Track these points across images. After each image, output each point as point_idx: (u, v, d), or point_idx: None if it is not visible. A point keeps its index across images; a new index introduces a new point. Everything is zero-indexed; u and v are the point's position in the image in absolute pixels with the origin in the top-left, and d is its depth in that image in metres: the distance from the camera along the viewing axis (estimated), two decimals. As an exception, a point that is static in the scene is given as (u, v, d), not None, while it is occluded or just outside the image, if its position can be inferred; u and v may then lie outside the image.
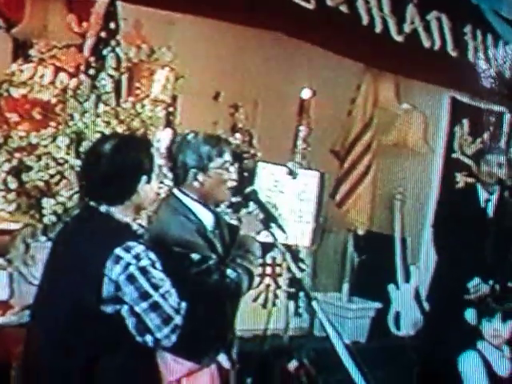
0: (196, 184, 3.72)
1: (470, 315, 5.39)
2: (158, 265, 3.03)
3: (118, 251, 2.98)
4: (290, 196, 6.58)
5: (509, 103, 7.94)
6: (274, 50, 6.97)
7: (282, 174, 6.57)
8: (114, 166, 3.13)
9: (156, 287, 2.99)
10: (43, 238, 5.76)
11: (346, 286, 7.33)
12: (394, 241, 7.65)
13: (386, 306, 7.34)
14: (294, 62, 7.05)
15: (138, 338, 3.00)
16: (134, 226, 3.16)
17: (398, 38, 7.65)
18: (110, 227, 3.10)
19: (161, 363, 3.32)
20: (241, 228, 3.78)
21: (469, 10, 8.04)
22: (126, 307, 2.99)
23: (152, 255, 3.03)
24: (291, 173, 6.51)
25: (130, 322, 2.99)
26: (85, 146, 5.79)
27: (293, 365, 3.53)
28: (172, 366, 3.55)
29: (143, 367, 3.14)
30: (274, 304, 6.49)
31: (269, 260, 6.35)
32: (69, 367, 3.02)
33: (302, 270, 4.35)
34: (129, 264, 2.97)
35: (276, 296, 6.57)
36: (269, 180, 6.49)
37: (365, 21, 7.45)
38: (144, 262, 2.99)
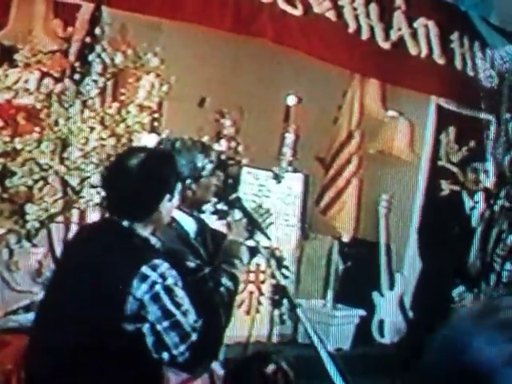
0: (189, 193, 3.70)
1: None
2: (179, 283, 3.02)
3: (145, 269, 2.95)
4: (276, 200, 6.58)
5: (495, 111, 7.95)
6: (260, 57, 6.96)
7: (266, 179, 6.57)
8: (140, 182, 3.10)
9: (178, 306, 2.99)
10: (27, 244, 5.74)
11: (330, 293, 7.32)
12: (378, 248, 7.66)
13: (370, 313, 7.35)
14: (280, 68, 7.05)
15: (154, 355, 2.99)
16: (153, 241, 3.14)
17: (385, 45, 7.66)
18: (133, 243, 3.08)
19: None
20: (228, 234, 3.77)
21: (457, 17, 8.06)
22: (147, 325, 2.97)
23: (174, 273, 3.01)
24: (276, 177, 6.51)
25: (150, 340, 2.98)
26: (69, 151, 5.78)
27: (270, 368, 3.52)
28: (168, 376, 3.54)
29: (152, 380, 3.15)
30: (257, 311, 6.48)
31: (253, 267, 6.34)
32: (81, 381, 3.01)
33: (285, 277, 4.32)
34: (155, 283, 2.95)
35: (259, 303, 6.57)
36: (254, 185, 6.49)
37: (351, 28, 7.46)
38: (169, 281, 2.98)
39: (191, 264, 3.54)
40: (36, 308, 3.48)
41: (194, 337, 2.99)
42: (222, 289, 3.47)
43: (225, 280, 3.50)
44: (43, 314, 3.25)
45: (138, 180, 3.09)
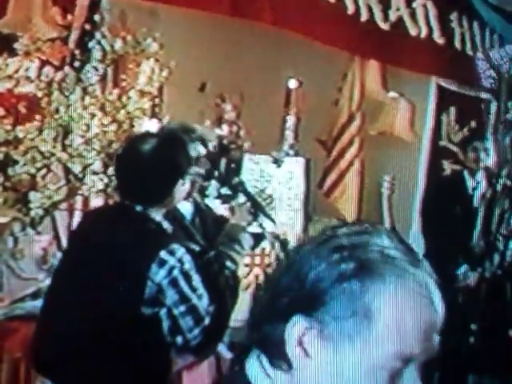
0: None
1: None
2: (195, 267, 3.05)
3: (163, 254, 2.98)
4: (278, 185, 6.58)
5: (495, 91, 7.95)
6: (260, 40, 6.95)
7: (267, 163, 6.57)
8: (154, 167, 3.11)
9: (194, 290, 3.02)
10: (32, 232, 5.75)
11: (335, 276, 7.31)
12: (382, 229, 7.64)
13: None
14: (280, 51, 7.03)
15: (169, 339, 3.01)
16: (165, 225, 3.15)
17: (384, 26, 7.65)
18: (147, 227, 3.10)
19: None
20: (231, 218, 3.77)
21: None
22: (164, 310, 2.99)
23: (190, 257, 3.04)
24: (275, 161, 6.51)
25: (166, 324, 2.99)
26: (71, 138, 5.78)
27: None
28: (176, 359, 3.55)
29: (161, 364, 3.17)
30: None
31: (258, 250, 6.33)
32: (96, 368, 3.03)
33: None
34: (173, 267, 2.98)
35: (265, 286, 6.56)
36: (255, 170, 6.49)
37: (350, 9, 7.44)
38: (186, 266, 3.01)
39: (196, 247, 3.55)
40: (44, 295, 3.48)
41: (206, 321, 3.01)
42: (226, 272, 3.48)
43: (229, 263, 3.51)
44: (53, 300, 3.26)
45: (151, 165, 3.10)
